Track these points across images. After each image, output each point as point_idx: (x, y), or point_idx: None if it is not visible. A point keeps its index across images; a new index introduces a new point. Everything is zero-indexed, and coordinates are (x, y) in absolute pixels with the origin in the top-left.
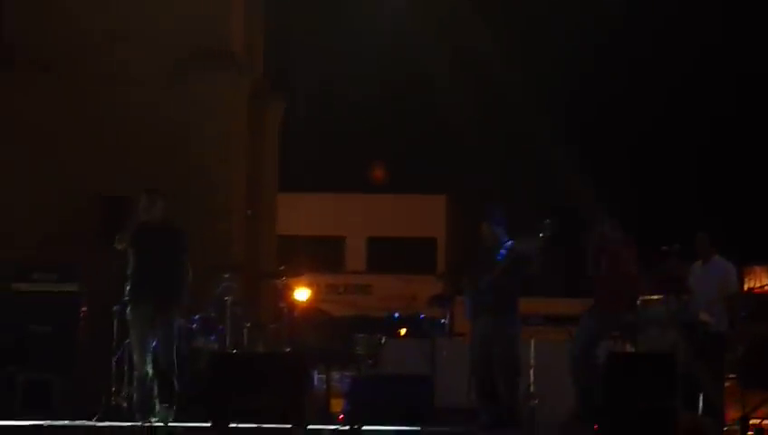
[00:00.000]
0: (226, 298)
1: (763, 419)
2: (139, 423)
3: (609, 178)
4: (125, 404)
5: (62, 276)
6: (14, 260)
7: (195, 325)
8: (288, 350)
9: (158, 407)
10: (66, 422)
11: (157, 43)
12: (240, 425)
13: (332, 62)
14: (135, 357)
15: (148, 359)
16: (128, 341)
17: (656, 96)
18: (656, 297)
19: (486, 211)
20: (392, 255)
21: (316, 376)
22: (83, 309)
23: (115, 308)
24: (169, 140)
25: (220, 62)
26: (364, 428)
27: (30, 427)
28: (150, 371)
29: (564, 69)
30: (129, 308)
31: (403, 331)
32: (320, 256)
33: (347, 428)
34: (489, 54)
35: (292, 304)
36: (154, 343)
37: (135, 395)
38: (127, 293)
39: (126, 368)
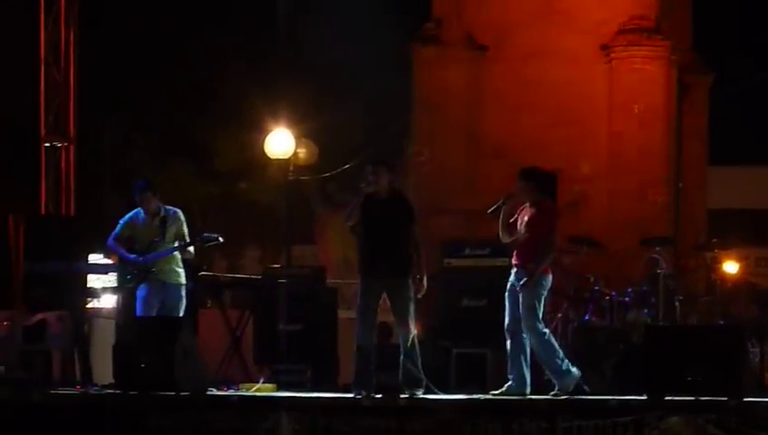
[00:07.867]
0: (659, 271)
1: None
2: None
3: None
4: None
5: (494, 251)
6: (446, 236)
7: (627, 299)
8: (722, 323)
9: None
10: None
11: (581, 19)
12: (675, 398)
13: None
14: (357, 328)
15: (370, 333)
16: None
17: None
18: None
19: None
20: None
21: (750, 349)
22: None
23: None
24: (594, 115)
25: (646, 38)
26: None
27: (464, 401)
28: (370, 344)
29: None
30: (360, 279)
31: None
32: (750, 228)
33: None
34: None
35: (724, 277)
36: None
37: (355, 367)
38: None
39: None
